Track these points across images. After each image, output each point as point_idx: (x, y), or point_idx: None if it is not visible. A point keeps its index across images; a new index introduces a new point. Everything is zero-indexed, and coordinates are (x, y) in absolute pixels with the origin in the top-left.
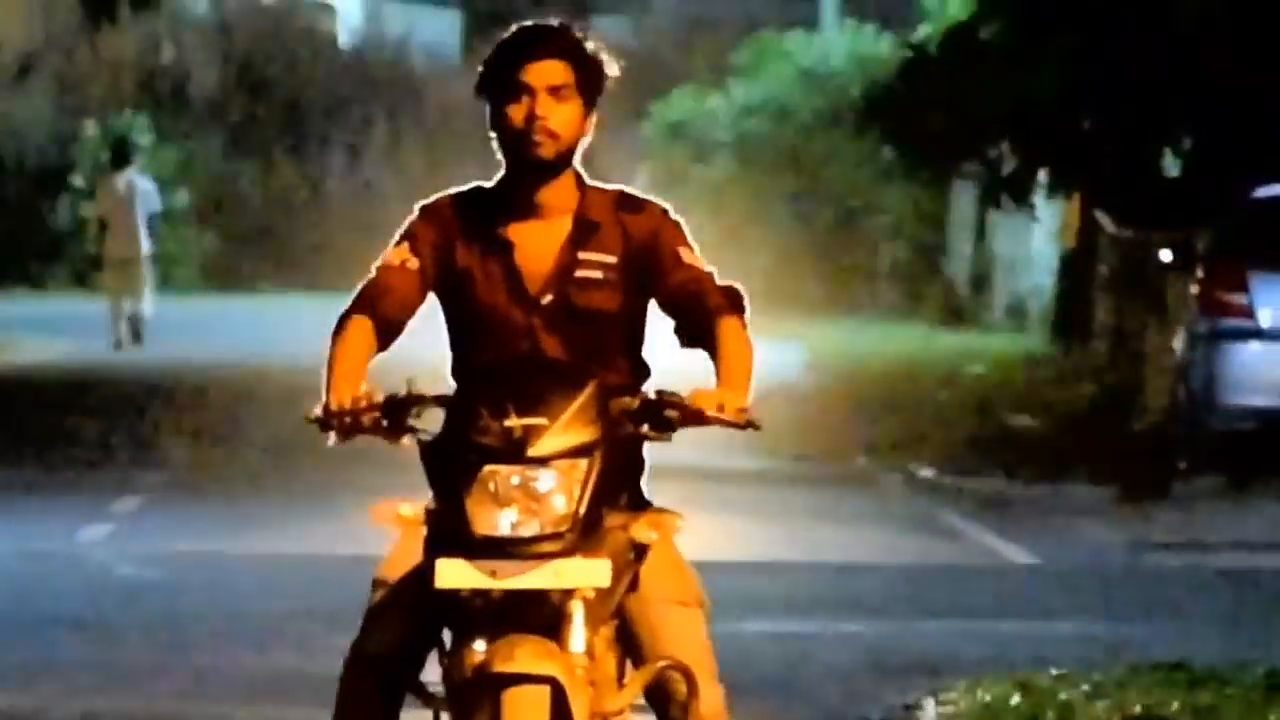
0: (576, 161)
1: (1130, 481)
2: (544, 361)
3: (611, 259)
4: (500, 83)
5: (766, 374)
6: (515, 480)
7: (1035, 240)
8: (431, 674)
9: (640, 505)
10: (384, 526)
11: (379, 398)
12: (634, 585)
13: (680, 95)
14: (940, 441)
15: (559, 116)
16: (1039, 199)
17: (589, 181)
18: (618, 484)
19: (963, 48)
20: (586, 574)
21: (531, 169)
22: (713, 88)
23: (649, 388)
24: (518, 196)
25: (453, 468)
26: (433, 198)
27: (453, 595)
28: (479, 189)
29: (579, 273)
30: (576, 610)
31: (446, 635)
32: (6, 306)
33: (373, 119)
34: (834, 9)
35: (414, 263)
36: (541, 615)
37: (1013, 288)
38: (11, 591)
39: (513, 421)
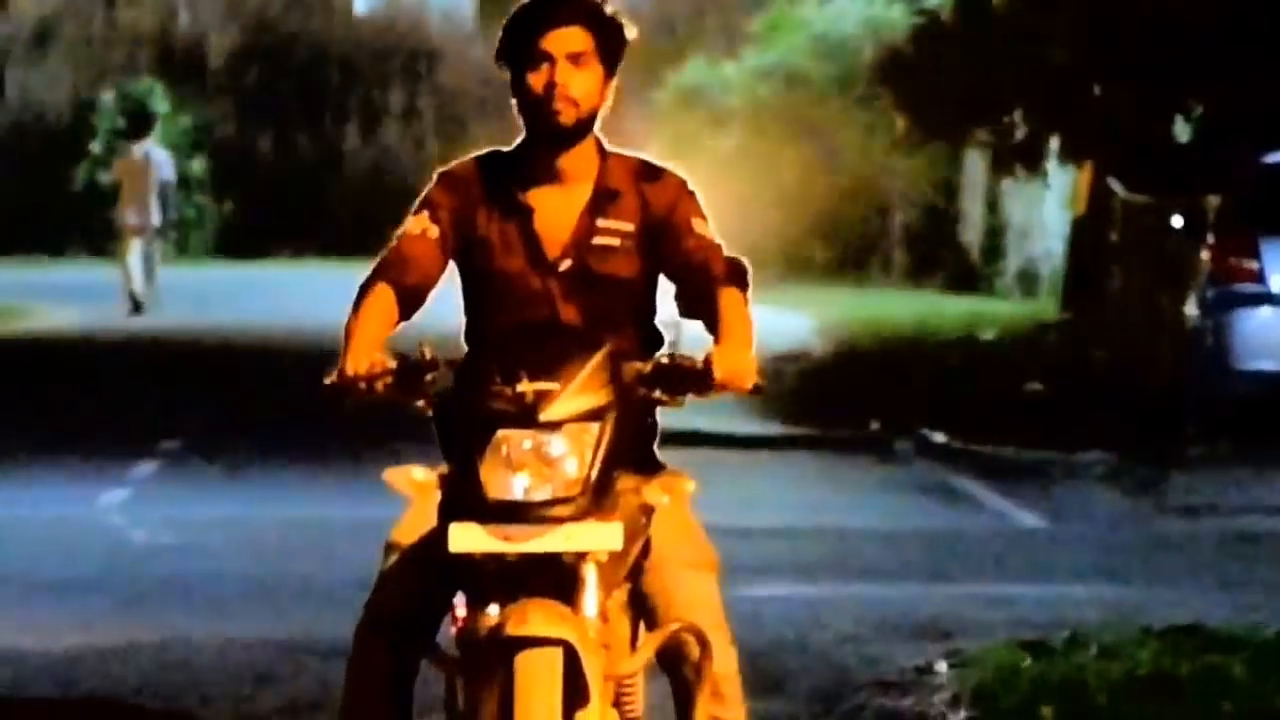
0: (597, 127)
1: (1141, 446)
2: (556, 327)
3: (630, 227)
4: (520, 49)
5: (779, 340)
6: (527, 444)
7: (1047, 207)
8: (445, 638)
9: (652, 469)
10: (398, 491)
11: (393, 363)
12: (646, 549)
13: (693, 62)
14: (952, 407)
15: (579, 84)
16: (1051, 165)
17: (609, 149)
18: (630, 448)
19: (975, 15)
20: (599, 537)
21: (552, 136)
22: (726, 54)
23: (661, 354)
24: (538, 163)
25: (465, 433)
26: (452, 164)
27: (466, 559)
28: (498, 154)
29: (597, 240)
30: (589, 573)
31: (459, 599)
32: (24, 273)
33: (388, 86)
34: None
35: (434, 231)
36: (554, 579)
37: (1024, 254)
38: (31, 555)
39: (525, 386)
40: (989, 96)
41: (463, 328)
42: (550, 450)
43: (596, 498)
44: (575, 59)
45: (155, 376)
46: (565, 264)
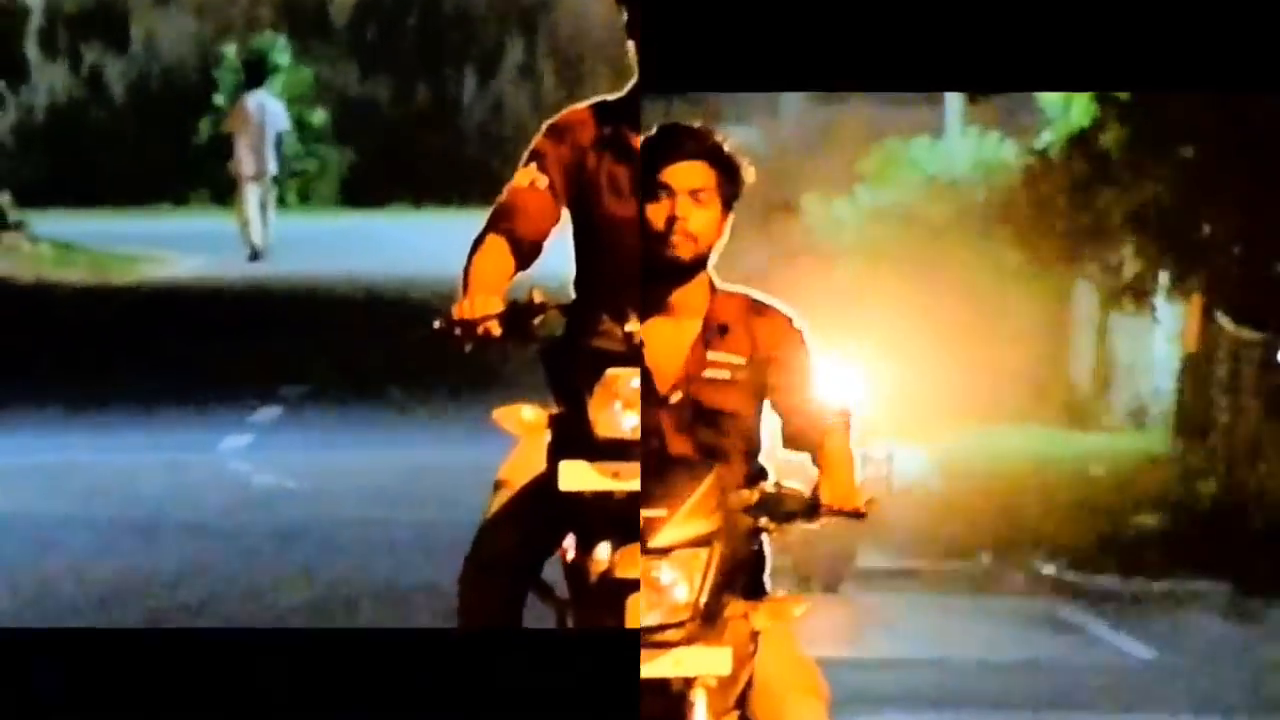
0: (712, 263)
1: (1249, 578)
2: (667, 455)
3: (740, 360)
4: (643, 180)
5: (893, 476)
6: (634, 383)
7: (1156, 342)
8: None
9: (761, 597)
10: (507, 430)
11: (502, 306)
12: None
13: (808, 201)
14: (1063, 540)
15: (698, 219)
16: (1159, 300)
17: (718, 284)
18: (739, 576)
19: (1084, 155)
20: (708, 662)
21: (669, 270)
22: (840, 193)
23: (766, 484)
24: (651, 294)
25: (574, 372)
26: (560, 114)
27: (575, 498)
28: (606, 102)
29: (708, 373)
30: (699, 698)
31: (569, 541)
32: (150, 223)
33: (505, 38)
34: (958, 116)
35: (543, 181)
36: (664, 704)
37: (1134, 389)
38: (156, 500)
39: (633, 326)
40: (1098, 233)
41: (573, 274)
42: (660, 578)
43: (705, 623)
44: (695, 195)
45: (277, 324)
46: (676, 396)
